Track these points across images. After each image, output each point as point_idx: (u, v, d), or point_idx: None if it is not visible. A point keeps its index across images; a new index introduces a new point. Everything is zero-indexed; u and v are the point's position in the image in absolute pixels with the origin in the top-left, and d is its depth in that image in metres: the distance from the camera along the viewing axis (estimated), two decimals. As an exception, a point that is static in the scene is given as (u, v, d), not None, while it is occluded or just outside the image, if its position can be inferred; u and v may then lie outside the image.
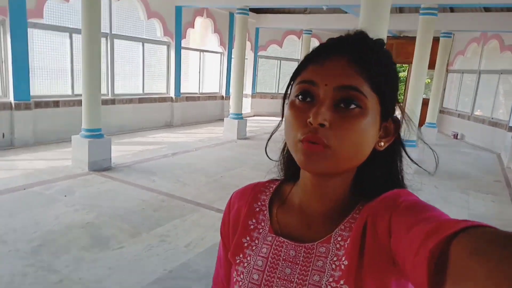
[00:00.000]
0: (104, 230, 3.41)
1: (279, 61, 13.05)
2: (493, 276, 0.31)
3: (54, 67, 6.77)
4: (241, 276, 0.62)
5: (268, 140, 0.70)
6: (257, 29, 12.01)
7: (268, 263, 0.61)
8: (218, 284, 0.75)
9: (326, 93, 0.55)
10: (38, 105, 6.36)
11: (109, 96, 7.71)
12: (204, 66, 10.61)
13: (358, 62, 0.55)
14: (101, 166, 5.25)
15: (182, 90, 9.53)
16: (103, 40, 7.43)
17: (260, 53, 12.47)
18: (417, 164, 0.64)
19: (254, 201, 0.69)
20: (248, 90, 12.38)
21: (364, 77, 0.55)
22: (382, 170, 0.62)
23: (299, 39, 13.03)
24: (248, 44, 11.82)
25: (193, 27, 9.67)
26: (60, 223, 3.48)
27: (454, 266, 0.37)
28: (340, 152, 0.54)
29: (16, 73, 5.93)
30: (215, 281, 0.76)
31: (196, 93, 10.34)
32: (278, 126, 0.66)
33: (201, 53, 10.39)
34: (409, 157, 0.65)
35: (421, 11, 6.67)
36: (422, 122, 9.70)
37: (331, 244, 0.58)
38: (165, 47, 8.97)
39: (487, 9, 8.36)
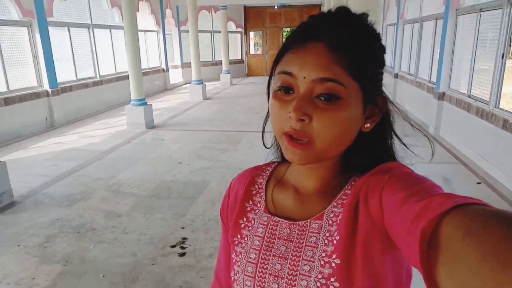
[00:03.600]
0: (216, 147, 5.79)
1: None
2: (488, 258, 0.31)
3: (60, 57, 7.96)
4: (240, 256, 0.65)
5: (263, 131, 0.72)
6: (177, 7, 13.82)
7: (264, 242, 0.64)
8: (218, 272, 0.77)
9: (305, 85, 0.55)
10: (62, 91, 7.62)
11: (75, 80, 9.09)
12: (147, 44, 12.19)
13: (336, 49, 0.54)
14: (150, 125, 7.21)
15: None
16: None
17: (181, 28, 14.35)
18: (405, 145, 0.65)
19: (251, 184, 0.71)
20: (177, 61, 14.30)
21: (343, 66, 0.53)
22: (372, 147, 0.63)
23: (209, 13, 15.32)
24: (172, 21, 13.70)
25: (138, 11, 11.16)
26: (189, 149, 5.72)
27: (446, 247, 0.36)
28: (323, 144, 0.55)
29: (48, 65, 7.14)
30: (216, 270, 0.79)
31: (146, 68, 11.95)
32: (267, 115, 0.65)
33: (145, 33, 11.94)
34: (398, 137, 0.65)
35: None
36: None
37: (324, 221, 0.60)
38: (121, 31, 10.40)
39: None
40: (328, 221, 0.60)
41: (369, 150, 0.63)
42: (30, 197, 4.05)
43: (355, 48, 0.54)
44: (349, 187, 0.61)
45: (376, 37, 0.58)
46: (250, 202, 0.70)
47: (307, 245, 0.60)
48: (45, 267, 2.79)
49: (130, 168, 4.88)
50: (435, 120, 6.35)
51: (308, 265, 0.58)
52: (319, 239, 0.59)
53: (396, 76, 9.86)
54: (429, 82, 7.18)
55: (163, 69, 12.99)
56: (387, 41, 11.39)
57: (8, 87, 6.52)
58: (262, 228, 0.65)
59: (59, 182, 4.47)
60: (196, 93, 10.57)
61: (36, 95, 7.03)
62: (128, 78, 10.20)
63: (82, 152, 5.65)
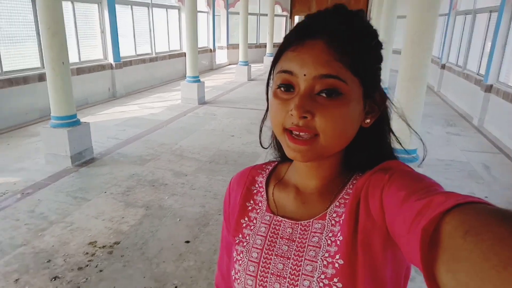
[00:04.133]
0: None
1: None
2: (489, 257, 0.30)
3: (122, 33, 8.62)
4: (241, 255, 0.65)
5: (260, 131, 0.72)
6: (226, -11, 14.19)
7: (267, 241, 0.64)
8: (221, 265, 0.79)
9: (306, 83, 0.54)
10: (124, 65, 8.30)
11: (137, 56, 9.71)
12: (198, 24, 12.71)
13: (335, 46, 0.54)
14: (201, 101, 7.75)
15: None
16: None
17: (229, 9, 14.73)
18: (400, 145, 0.65)
19: (251, 184, 0.71)
20: (223, 42, 14.76)
21: (343, 62, 0.54)
22: (372, 144, 0.63)
23: (257, -4, 15.61)
24: (222, 3, 14.09)
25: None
26: (239, 124, 6.19)
27: (447, 245, 0.36)
28: (325, 140, 0.55)
29: (114, 40, 7.81)
30: (219, 263, 0.80)
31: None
32: (266, 114, 0.65)
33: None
34: (393, 134, 0.65)
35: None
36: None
37: (326, 221, 0.60)
38: (176, 11, 10.95)
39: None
40: (331, 221, 0.60)
41: (370, 147, 0.63)
42: (107, 155, 4.68)
43: (354, 44, 0.55)
44: (351, 186, 0.61)
45: (374, 33, 0.59)
46: (251, 202, 0.70)
47: (310, 245, 0.60)
48: (131, 209, 3.37)
49: (189, 137, 5.43)
50: (480, 112, 6.43)
51: (311, 265, 0.58)
52: (322, 239, 0.59)
53: (443, 67, 9.80)
54: (477, 74, 7.20)
55: (210, 49, 13.49)
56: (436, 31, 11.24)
57: (80, 58, 7.24)
58: (265, 228, 0.65)
59: (129, 144, 5.09)
60: (242, 74, 11.01)
61: (102, 67, 7.73)
62: (179, 56, 10.89)
63: (144, 121, 6.27)
